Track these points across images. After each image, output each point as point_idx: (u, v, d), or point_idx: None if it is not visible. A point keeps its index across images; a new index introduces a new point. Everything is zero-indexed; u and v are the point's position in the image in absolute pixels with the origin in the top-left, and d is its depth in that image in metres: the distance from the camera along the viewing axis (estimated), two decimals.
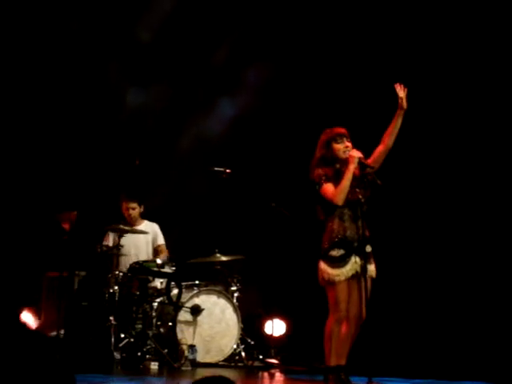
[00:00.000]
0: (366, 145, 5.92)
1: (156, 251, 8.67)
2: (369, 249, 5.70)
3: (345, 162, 5.71)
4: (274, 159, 9.32)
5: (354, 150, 5.73)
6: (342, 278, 5.61)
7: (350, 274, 5.64)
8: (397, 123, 5.88)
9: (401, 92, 5.87)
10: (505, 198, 8.13)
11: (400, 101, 5.86)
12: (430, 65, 8.51)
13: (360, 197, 5.70)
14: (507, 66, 8.17)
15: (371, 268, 5.71)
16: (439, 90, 8.48)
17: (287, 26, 9.24)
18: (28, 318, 8.51)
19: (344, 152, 5.74)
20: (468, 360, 7.48)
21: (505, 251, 8.00)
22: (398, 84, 5.89)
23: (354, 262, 5.66)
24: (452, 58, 8.45)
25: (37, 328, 8.09)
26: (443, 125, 8.44)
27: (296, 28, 9.20)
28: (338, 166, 5.76)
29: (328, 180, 5.69)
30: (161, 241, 8.72)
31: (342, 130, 5.83)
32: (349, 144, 5.78)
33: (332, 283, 5.61)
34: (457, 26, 8.39)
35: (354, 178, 5.70)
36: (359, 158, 5.68)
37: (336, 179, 5.69)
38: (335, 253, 5.65)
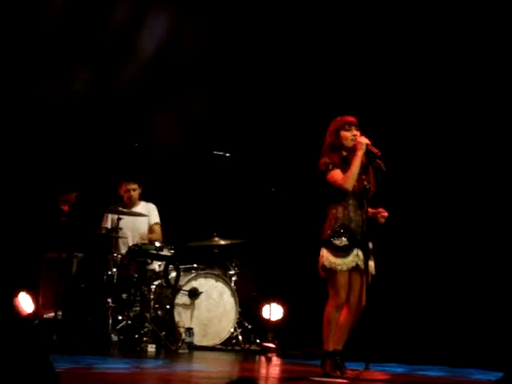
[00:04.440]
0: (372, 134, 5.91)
1: (150, 230, 8.66)
2: (370, 245, 5.71)
3: (351, 150, 5.69)
4: (274, 144, 9.32)
5: (363, 137, 5.71)
6: (344, 267, 5.60)
7: (351, 265, 5.62)
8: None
9: (381, 218, 5.80)
10: (494, 186, 8.16)
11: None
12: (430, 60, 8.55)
13: (366, 183, 5.69)
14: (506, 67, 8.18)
15: (371, 264, 5.70)
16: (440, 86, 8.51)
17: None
18: (25, 299, 8.53)
19: (352, 140, 5.71)
20: (465, 346, 7.51)
21: (498, 241, 8.01)
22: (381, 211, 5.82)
23: (356, 255, 5.65)
24: (453, 53, 8.47)
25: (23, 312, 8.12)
26: (445, 124, 8.46)
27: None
28: (344, 153, 5.74)
29: (335, 167, 5.68)
30: (154, 220, 8.65)
31: (352, 119, 5.79)
32: (357, 133, 5.75)
33: (333, 271, 5.61)
34: (461, 21, 8.40)
35: (361, 164, 5.69)
36: (367, 145, 5.67)
37: (342, 167, 5.67)
38: (338, 242, 5.63)
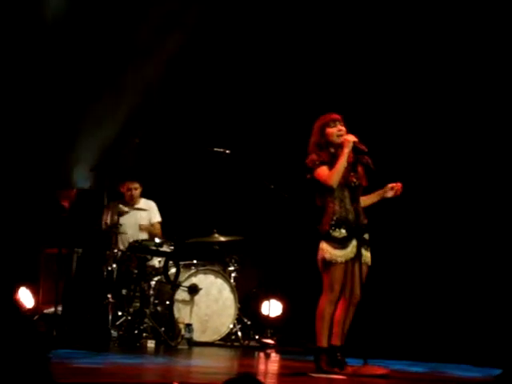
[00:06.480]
0: (361, 130, 5.93)
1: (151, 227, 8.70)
2: (367, 236, 5.74)
3: (339, 146, 5.72)
4: (274, 141, 9.33)
5: (349, 135, 5.74)
6: (343, 259, 5.65)
7: (350, 256, 5.67)
8: (372, 201, 5.92)
9: (391, 192, 5.88)
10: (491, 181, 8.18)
11: (388, 193, 5.89)
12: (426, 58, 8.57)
13: (354, 180, 5.72)
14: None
15: (367, 255, 5.75)
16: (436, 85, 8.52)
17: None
18: (25, 294, 8.56)
19: (338, 136, 5.75)
20: (462, 342, 7.53)
21: (494, 236, 8.03)
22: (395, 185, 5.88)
23: (354, 246, 5.69)
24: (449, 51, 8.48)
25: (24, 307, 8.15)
26: (438, 118, 8.47)
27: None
28: (332, 150, 5.77)
29: (322, 164, 5.71)
30: (155, 219, 8.72)
31: (336, 116, 5.83)
32: (342, 128, 5.78)
33: (333, 264, 5.64)
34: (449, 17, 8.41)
35: (349, 162, 5.72)
36: (354, 142, 5.70)
37: (331, 163, 5.70)
38: (337, 234, 5.67)
